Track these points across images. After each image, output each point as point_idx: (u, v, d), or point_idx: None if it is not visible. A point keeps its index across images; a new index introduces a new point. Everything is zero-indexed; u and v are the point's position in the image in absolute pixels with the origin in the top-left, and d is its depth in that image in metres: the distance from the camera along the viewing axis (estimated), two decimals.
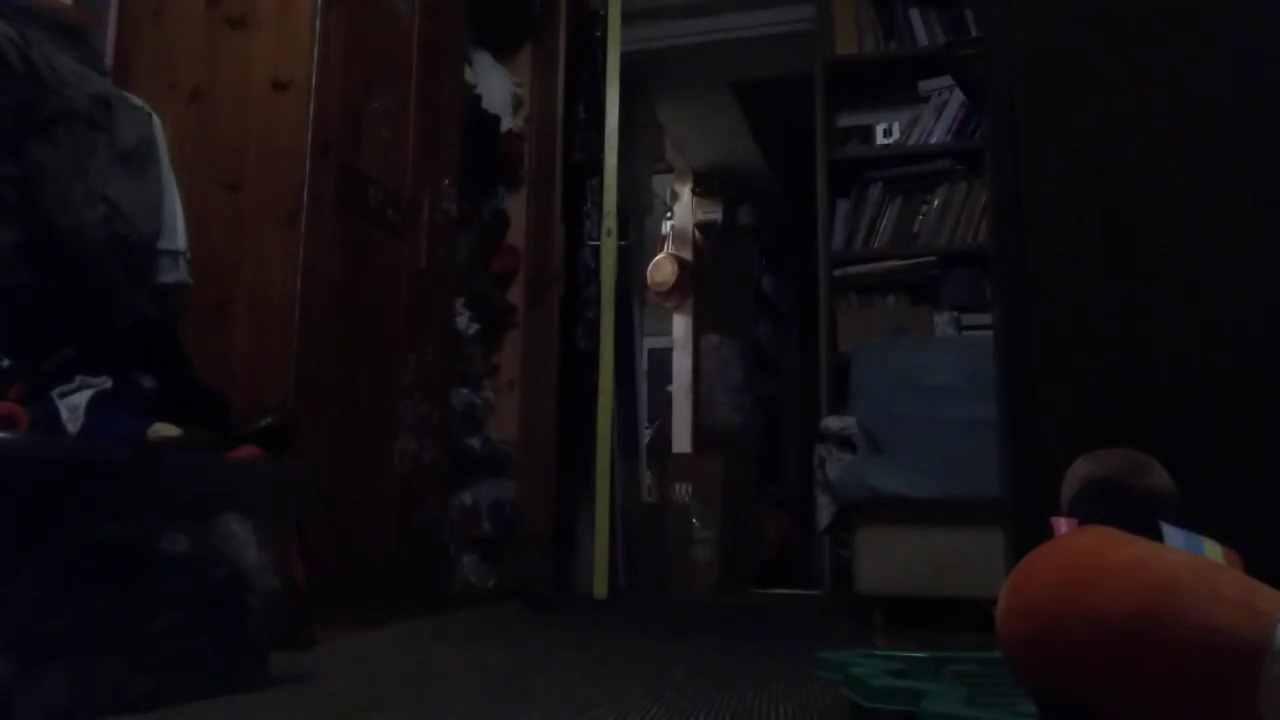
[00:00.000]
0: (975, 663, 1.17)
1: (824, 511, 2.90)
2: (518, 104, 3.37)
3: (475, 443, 2.98)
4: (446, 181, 2.61)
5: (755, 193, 5.66)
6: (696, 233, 5.64)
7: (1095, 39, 1.34)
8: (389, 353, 2.32)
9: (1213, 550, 0.82)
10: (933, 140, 3.53)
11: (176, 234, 1.81)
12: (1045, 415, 1.26)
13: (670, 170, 5.51)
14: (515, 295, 3.33)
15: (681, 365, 5.56)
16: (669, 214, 5.69)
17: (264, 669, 1.40)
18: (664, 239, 5.66)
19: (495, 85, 3.23)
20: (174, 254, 1.81)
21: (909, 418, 2.88)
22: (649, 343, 5.60)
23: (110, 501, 1.17)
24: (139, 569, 1.20)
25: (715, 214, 5.63)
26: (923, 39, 3.59)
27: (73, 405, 1.30)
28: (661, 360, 5.79)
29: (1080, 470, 0.95)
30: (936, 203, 3.51)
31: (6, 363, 1.30)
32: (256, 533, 1.35)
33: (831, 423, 2.96)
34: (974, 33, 3.39)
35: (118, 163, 1.68)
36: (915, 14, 3.62)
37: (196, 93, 2.07)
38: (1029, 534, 0.94)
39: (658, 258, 5.48)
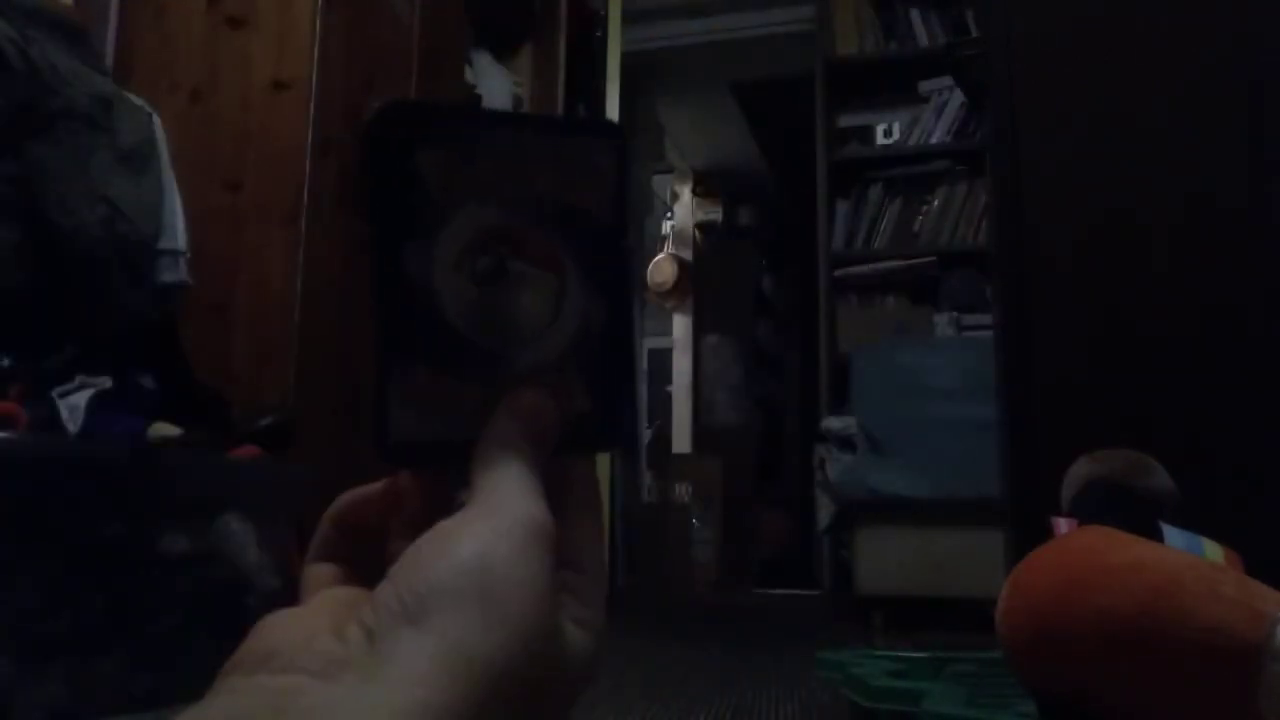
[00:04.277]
0: (975, 663, 1.17)
1: (824, 511, 2.90)
2: (518, 104, 3.37)
3: None
4: None
5: (755, 193, 5.66)
6: (696, 233, 5.64)
7: (1095, 38, 1.34)
8: None
9: (1213, 550, 0.82)
10: (933, 140, 3.53)
11: (177, 234, 1.81)
12: (1045, 415, 1.26)
13: (670, 170, 5.51)
14: None
15: (681, 365, 5.55)
16: (669, 214, 5.69)
17: None
18: (664, 239, 5.66)
19: (495, 85, 3.23)
20: (174, 254, 1.80)
21: (909, 418, 2.88)
22: (649, 343, 5.60)
23: (110, 501, 1.17)
24: (139, 569, 1.20)
25: (715, 214, 5.63)
26: (923, 39, 3.58)
27: (73, 405, 1.30)
28: (661, 360, 5.79)
29: (1080, 470, 0.95)
30: (936, 203, 3.51)
31: (6, 362, 1.30)
32: (256, 533, 1.35)
33: (831, 423, 2.96)
34: (974, 33, 3.39)
35: (118, 162, 1.68)
36: (915, 14, 3.62)
37: (197, 93, 2.07)
38: (1029, 534, 0.94)
39: (658, 258, 5.48)
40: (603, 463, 3.37)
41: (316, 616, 0.26)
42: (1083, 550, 0.77)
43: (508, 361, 0.29)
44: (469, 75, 3.02)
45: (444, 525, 0.26)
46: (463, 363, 0.29)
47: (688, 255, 5.58)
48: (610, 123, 0.31)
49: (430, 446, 0.29)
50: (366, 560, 0.31)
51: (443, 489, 0.31)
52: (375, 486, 0.32)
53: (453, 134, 0.29)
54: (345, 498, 0.32)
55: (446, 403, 0.29)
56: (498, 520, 0.26)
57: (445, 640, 0.23)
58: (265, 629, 0.26)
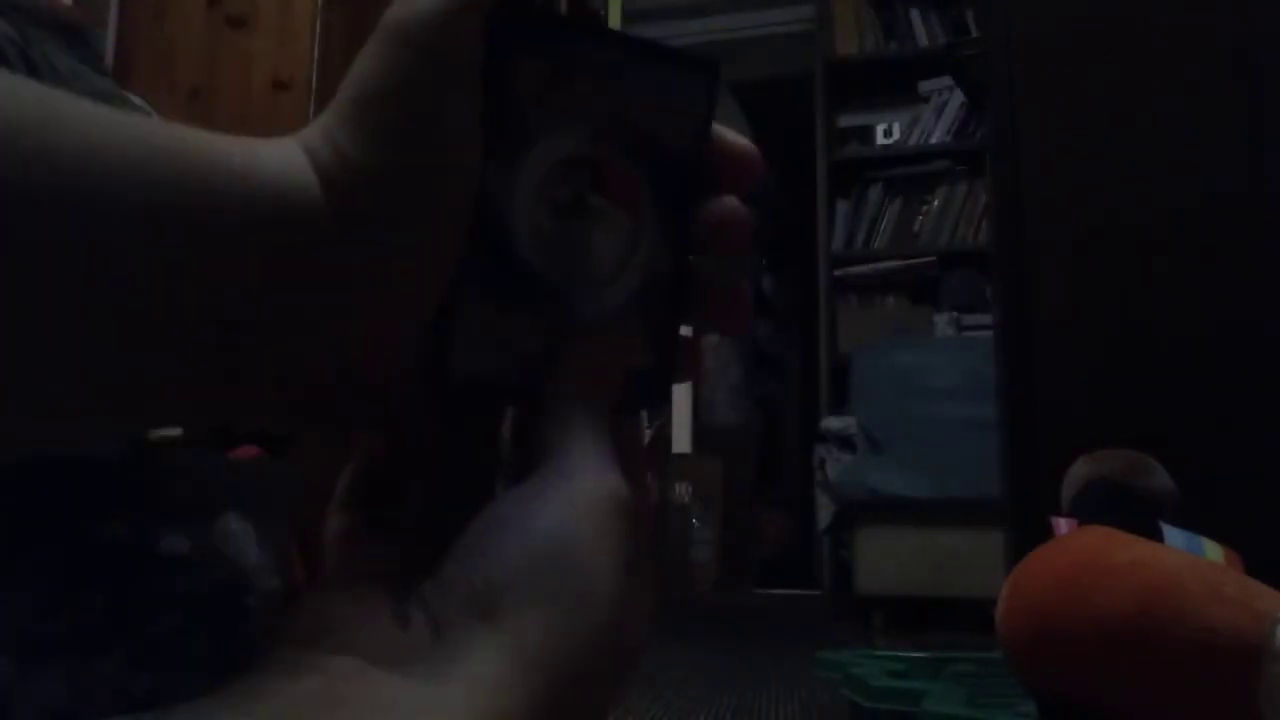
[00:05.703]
0: (975, 663, 1.17)
1: (824, 511, 2.90)
2: None
3: None
4: None
5: (755, 193, 5.66)
6: None
7: (1095, 38, 1.34)
8: None
9: (1213, 550, 0.82)
10: (933, 140, 3.53)
11: None
12: (1045, 415, 1.26)
13: None
14: None
15: None
16: None
17: None
18: None
19: None
20: None
21: (909, 418, 2.88)
22: None
23: (110, 501, 1.17)
24: (139, 569, 1.20)
25: None
26: (923, 39, 3.58)
27: None
28: None
29: (1080, 470, 0.95)
30: (936, 203, 3.51)
31: None
32: (256, 533, 1.35)
33: (831, 423, 2.96)
34: (974, 33, 3.39)
35: None
36: (915, 14, 3.62)
37: (196, 92, 2.07)
38: (1029, 534, 0.94)
39: None
40: None
41: (367, 592, 0.24)
42: (1083, 550, 0.77)
43: (575, 304, 0.27)
44: None
45: (515, 494, 0.24)
46: (531, 299, 0.27)
47: None
48: (707, 58, 0.28)
49: (487, 385, 0.27)
50: (394, 510, 0.28)
51: (491, 436, 0.29)
52: (414, 438, 0.29)
53: (556, 46, 0.26)
54: (378, 446, 0.29)
55: (509, 340, 0.27)
56: (574, 490, 0.24)
57: (523, 643, 0.22)
58: (316, 601, 0.24)
